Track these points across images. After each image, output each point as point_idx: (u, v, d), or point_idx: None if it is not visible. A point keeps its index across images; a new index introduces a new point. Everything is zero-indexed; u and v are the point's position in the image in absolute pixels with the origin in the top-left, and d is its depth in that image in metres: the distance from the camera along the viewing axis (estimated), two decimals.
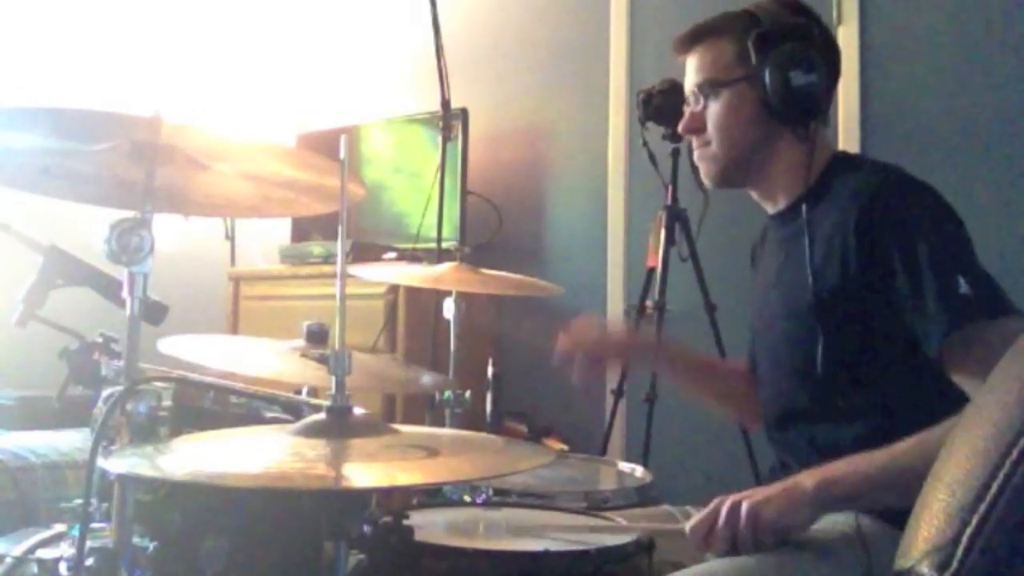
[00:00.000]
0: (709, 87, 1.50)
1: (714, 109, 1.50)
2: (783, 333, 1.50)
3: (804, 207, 1.43)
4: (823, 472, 1.26)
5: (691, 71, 1.53)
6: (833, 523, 1.34)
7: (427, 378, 1.96)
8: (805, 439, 1.46)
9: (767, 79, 1.43)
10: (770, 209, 1.57)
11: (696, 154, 1.56)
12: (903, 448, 1.23)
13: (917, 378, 1.33)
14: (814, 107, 1.45)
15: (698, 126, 1.52)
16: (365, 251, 2.99)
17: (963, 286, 1.27)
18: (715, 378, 1.80)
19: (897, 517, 1.25)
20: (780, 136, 1.48)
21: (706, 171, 1.55)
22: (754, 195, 1.58)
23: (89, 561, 1.15)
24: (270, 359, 1.59)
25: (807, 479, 1.26)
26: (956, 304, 1.27)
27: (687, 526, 1.31)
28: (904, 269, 1.31)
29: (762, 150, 1.49)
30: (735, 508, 1.26)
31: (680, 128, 1.57)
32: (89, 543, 1.16)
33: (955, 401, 1.27)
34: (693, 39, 1.52)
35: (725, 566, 1.27)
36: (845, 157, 1.54)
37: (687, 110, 1.55)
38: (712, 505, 1.29)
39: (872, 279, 1.34)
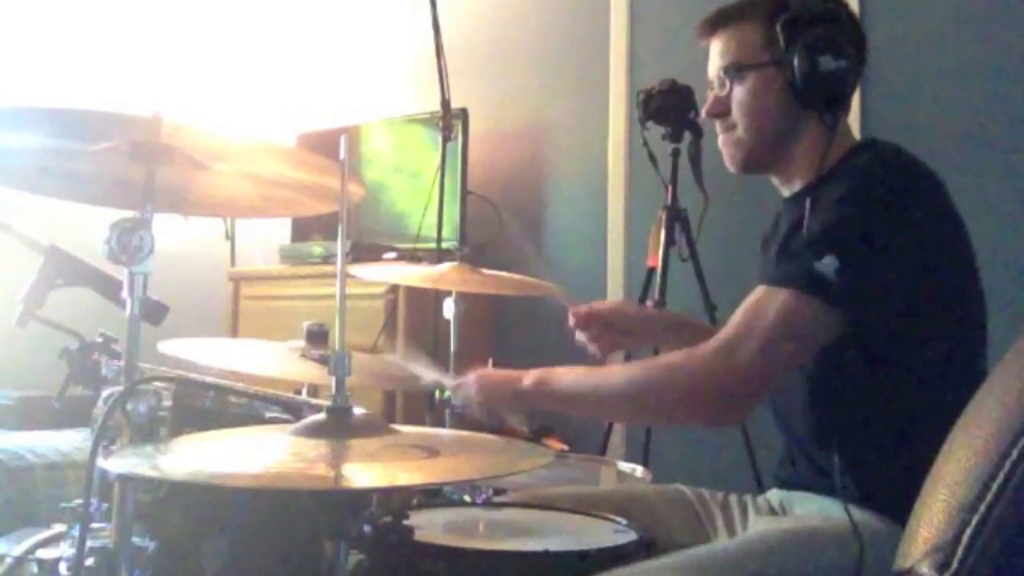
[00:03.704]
0: (735, 70, 1.48)
1: (739, 93, 1.49)
2: None
3: (812, 190, 1.42)
4: (545, 372, 1.43)
5: (715, 55, 1.52)
6: (825, 514, 1.34)
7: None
8: (800, 421, 1.47)
9: (796, 64, 1.41)
10: (786, 192, 1.56)
11: (720, 139, 1.54)
12: (615, 370, 1.46)
13: (902, 362, 1.35)
14: (842, 93, 1.44)
15: (722, 110, 1.51)
16: (365, 251, 2.98)
17: (828, 264, 1.28)
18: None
19: (890, 507, 1.27)
20: (806, 122, 1.46)
21: (731, 156, 1.54)
22: (774, 180, 1.57)
23: (89, 561, 1.15)
24: (270, 360, 1.60)
25: (528, 376, 1.44)
26: (800, 272, 1.30)
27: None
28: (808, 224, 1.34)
29: (787, 136, 1.48)
30: (470, 382, 1.47)
31: (704, 111, 1.56)
32: (89, 543, 1.16)
33: (936, 384, 1.32)
34: (718, 23, 1.52)
35: (709, 554, 1.28)
36: (865, 143, 1.51)
37: (711, 94, 1.54)
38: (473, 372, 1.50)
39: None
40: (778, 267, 1.37)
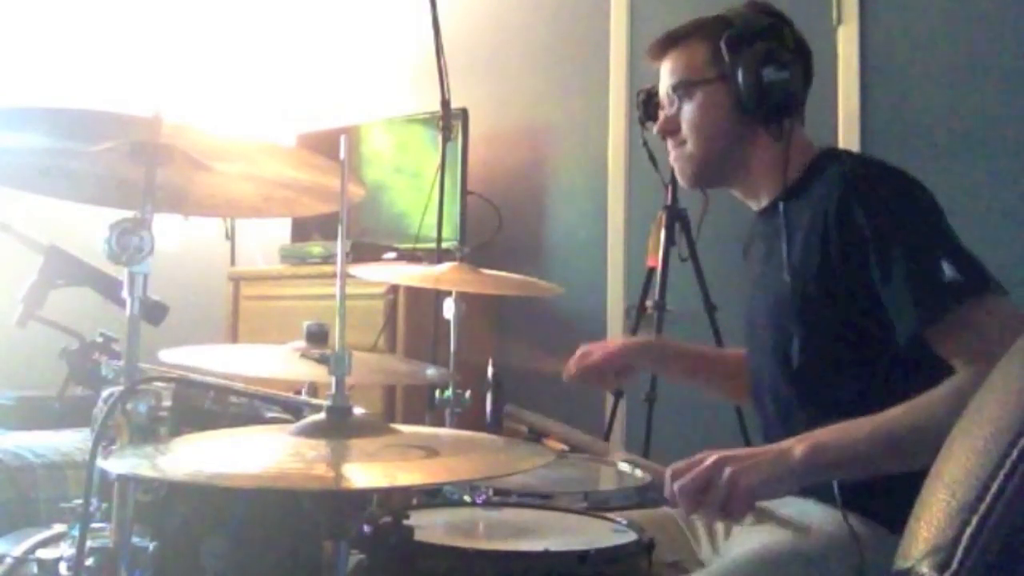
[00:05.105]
0: (683, 88, 1.53)
1: (688, 110, 1.53)
2: (765, 329, 1.52)
3: (782, 204, 1.46)
4: (812, 437, 1.26)
5: (665, 75, 1.57)
6: (824, 525, 1.34)
7: (430, 370, 1.96)
8: (793, 434, 1.46)
9: (740, 77, 1.46)
10: (755, 207, 1.59)
11: (672, 155, 1.58)
12: (891, 415, 1.24)
13: (898, 370, 1.34)
14: (787, 104, 1.47)
15: (672, 128, 1.55)
16: (365, 251, 2.99)
17: (947, 271, 1.28)
18: (714, 371, 1.81)
19: (887, 517, 1.27)
20: (755, 134, 1.50)
21: (681, 170, 1.58)
22: (737, 194, 1.60)
23: (89, 561, 1.15)
24: (271, 365, 1.60)
25: (796, 445, 1.26)
26: (939, 291, 1.28)
27: (670, 468, 1.29)
28: (877, 255, 1.32)
29: (737, 149, 1.52)
30: (719, 467, 1.24)
31: (655, 131, 1.61)
32: (89, 543, 1.16)
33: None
34: (667, 44, 1.56)
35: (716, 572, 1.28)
36: (829, 153, 1.55)
37: (662, 114, 1.58)
38: (699, 457, 1.28)
39: (850, 266, 1.35)
40: (921, 306, 1.29)
